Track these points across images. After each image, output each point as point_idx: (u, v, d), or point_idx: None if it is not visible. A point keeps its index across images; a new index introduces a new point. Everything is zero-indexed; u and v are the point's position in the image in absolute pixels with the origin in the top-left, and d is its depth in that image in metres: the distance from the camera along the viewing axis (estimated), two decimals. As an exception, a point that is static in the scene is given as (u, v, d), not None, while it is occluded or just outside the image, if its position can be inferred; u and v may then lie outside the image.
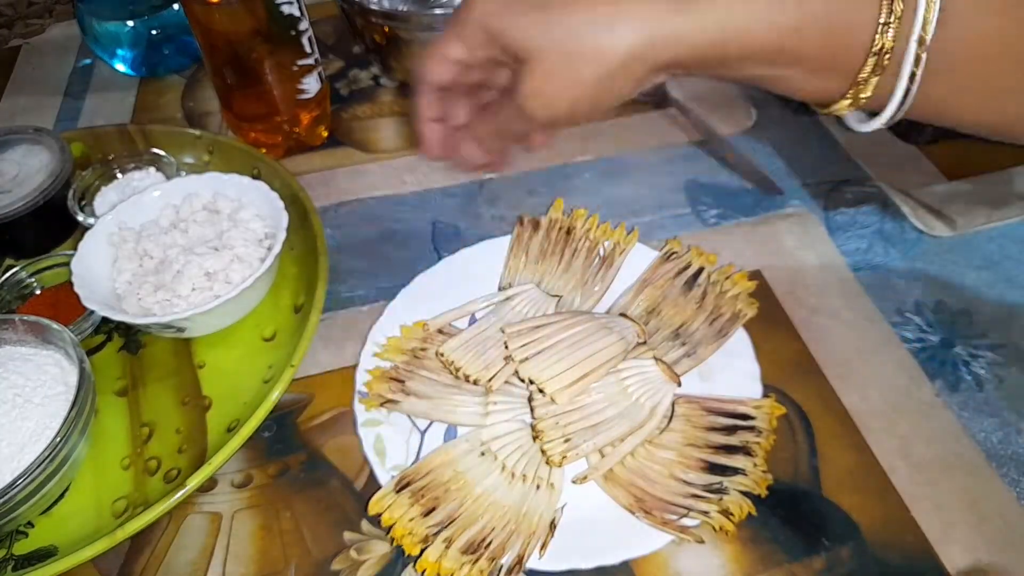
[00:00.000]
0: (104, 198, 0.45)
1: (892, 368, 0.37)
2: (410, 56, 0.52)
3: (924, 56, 0.23)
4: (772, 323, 0.39)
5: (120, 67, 0.58)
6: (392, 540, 0.31)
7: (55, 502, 0.34)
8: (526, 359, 0.33)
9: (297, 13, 0.45)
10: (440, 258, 0.41)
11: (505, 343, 0.34)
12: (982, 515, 0.32)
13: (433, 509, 0.31)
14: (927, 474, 0.33)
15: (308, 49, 0.47)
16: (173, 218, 0.42)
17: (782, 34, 0.24)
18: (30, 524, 0.33)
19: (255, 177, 0.45)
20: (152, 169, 0.46)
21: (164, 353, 0.39)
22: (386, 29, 0.50)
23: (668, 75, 0.28)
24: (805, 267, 0.42)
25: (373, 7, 0.52)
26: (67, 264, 0.38)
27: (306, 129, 0.50)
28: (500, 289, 0.40)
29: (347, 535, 0.33)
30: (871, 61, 0.24)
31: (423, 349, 0.37)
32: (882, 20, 0.23)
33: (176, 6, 0.56)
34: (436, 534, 0.30)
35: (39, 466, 0.31)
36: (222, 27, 0.43)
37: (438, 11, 0.56)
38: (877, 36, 0.24)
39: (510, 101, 0.29)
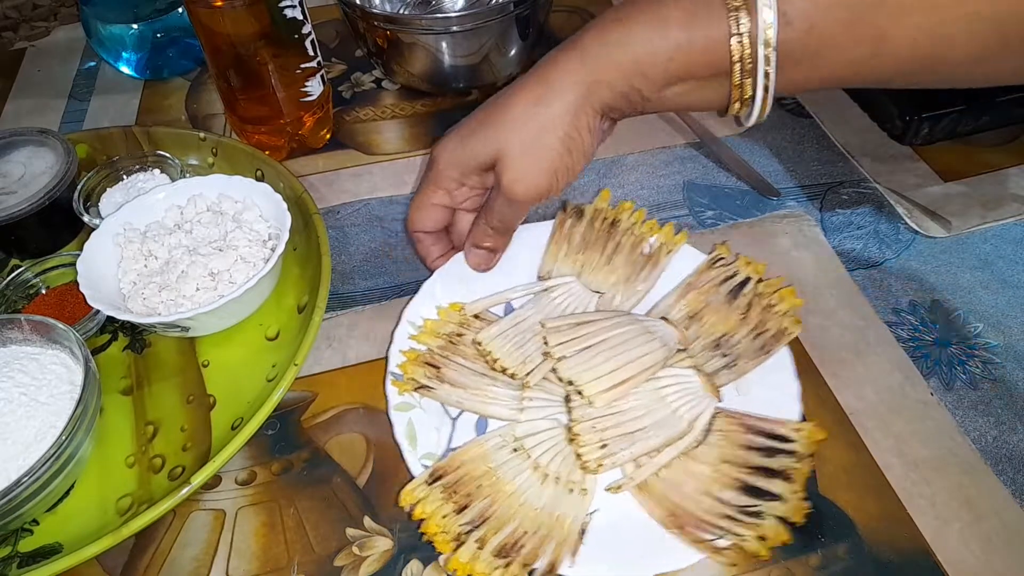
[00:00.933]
0: (109, 199, 0.46)
1: (887, 367, 0.37)
2: (411, 59, 0.52)
3: (773, 56, 0.28)
4: (769, 323, 0.40)
5: (124, 70, 0.58)
6: (423, 535, 0.31)
7: (60, 500, 0.34)
8: (565, 357, 0.32)
9: (300, 17, 0.45)
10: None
11: (544, 339, 0.34)
12: (978, 513, 0.32)
13: (466, 507, 0.31)
14: (922, 472, 0.34)
15: (311, 52, 0.47)
16: (178, 219, 0.42)
17: (667, 55, 0.29)
18: (35, 522, 0.34)
19: (259, 179, 0.45)
20: (156, 171, 0.47)
21: (169, 352, 0.40)
22: (388, 32, 0.51)
23: (610, 119, 0.33)
24: (801, 267, 0.42)
25: (375, 11, 0.53)
26: (72, 264, 0.39)
27: (309, 131, 0.50)
28: (539, 278, 0.39)
29: (349, 532, 0.33)
30: (737, 67, 0.28)
31: (459, 335, 0.36)
32: (732, 32, 0.28)
33: (180, 9, 0.56)
34: (468, 533, 0.30)
35: (44, 464, 0.32)
36: (226, 30, 0.44)
37: (439, 15, 0.56)
38: (734, 47, 0.28)
39: (497, 198, 0.34)
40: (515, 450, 0.33)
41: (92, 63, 0.61)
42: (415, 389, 0.35)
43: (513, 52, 0.54)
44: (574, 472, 0.32)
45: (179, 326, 0.37)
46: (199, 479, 0.33)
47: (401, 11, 0.58)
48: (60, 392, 0.35)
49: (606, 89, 0.31)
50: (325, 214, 0.46)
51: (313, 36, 0.47)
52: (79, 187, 0.45)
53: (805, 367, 0.38)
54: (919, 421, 0.35)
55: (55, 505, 0.34)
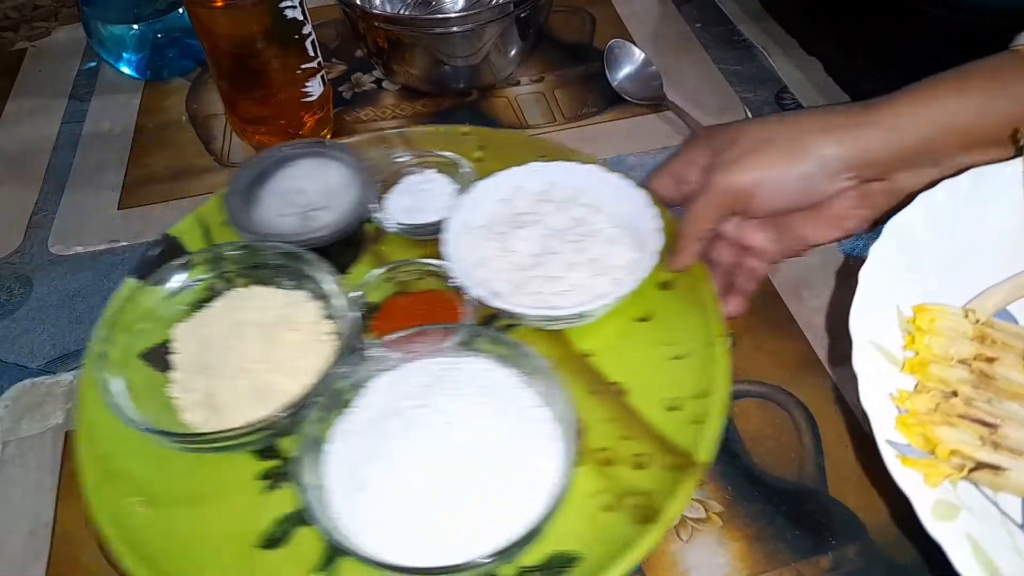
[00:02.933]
0: (395, 204, 0.42)
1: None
2: (412, 59, 0.52)
3: None
4: (776, 322, 0.39)
5: (125, 70, 0.58)
6: None
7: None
8: None
9: (300, 17, 0.45)
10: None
11: None
12: (988, 514, 0.32)
13: None
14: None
15: (311, 53, 0.47)
16: (519, 212, 0.39)
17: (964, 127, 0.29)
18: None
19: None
20: (433, 171, 0.43)
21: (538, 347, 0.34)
22: (388, 33, 0.51)
23: (863, 177, 0.33)
24: (808, 266, 0.42)
25: (375, 11, 0.53)
26: (429, 271, 0.37)
27: (309, 132, 0.50)
28: None
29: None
30: None
31: (989, 359, 0.22)
32: None
33: (181, 10, 0.56)
34: None
35: None
36: (226, 31, 0.44)
37: (439, 15, 0.56)
38: None
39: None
40: None
41: (92, 63, 0.61)
42: (970, 472, 0.20)
43: (513, 52, 0.54)
44: None
45: (569, 319, 0.35)
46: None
47: (401, 11, 0.58)
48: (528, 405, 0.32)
49: (869, 153, 0.31)
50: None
51: (313, 36, 0.47)
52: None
53: (814, 367, 0.37)
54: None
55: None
